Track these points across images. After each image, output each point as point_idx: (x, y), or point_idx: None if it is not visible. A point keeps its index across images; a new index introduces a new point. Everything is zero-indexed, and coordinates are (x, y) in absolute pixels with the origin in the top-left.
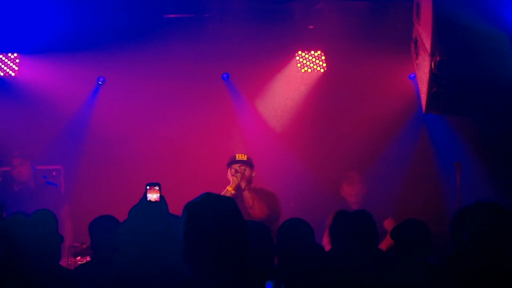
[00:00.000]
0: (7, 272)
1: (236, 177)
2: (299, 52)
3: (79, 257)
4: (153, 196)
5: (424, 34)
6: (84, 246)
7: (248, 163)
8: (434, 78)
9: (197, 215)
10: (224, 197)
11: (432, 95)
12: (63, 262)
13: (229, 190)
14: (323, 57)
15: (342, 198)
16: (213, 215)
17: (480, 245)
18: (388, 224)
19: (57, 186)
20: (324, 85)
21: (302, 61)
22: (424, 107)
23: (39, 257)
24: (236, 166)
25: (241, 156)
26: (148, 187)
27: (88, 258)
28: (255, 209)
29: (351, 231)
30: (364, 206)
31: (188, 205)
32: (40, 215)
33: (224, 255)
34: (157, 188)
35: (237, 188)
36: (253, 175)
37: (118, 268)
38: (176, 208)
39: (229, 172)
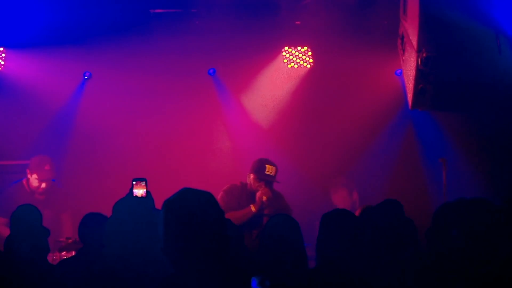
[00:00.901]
0: None
1: (266, 201)
2: (286, 48)
3: (64, 252)
4: (139, 191)
5: (411, 31)
6: (70, 241)
7: (276, 180)
8: (420, 74)
9: (175, 212)
10: (202, 191)
11: (418, 91)
12: (48, 257)
13: (252, 211)
14: (309, 53)
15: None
16: (192, 211)
17: (462, 240)
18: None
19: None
20: (310, 81)
21: (289, 57)
22: (410, 103)
23: (26, 253)
24: (265, 191)
25: (271, 170)
26: (134, 182)
27: (73, 253)
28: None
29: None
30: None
31: (166, 202)
32: (22, 211)
33: (205, 250)
34: (143, 183)
35: (260, 207)
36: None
37: (103, 263)
38: (159, 201)
39: (257, 183)
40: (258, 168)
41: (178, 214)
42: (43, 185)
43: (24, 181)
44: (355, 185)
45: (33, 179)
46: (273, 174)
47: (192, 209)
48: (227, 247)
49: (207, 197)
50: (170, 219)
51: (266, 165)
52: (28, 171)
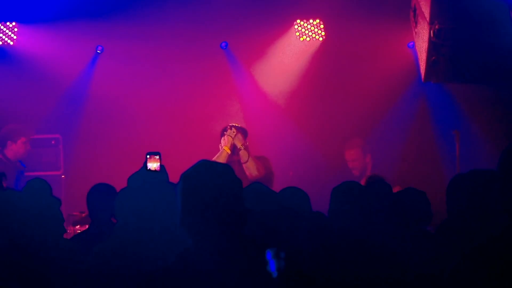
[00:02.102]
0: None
1: (230, 136)
2: (298, 21)
3: (78, 226)
4: (153, 165)
5: (423, 2)
6: (83, 215)
7: (241, 129)
8: (433, 46)
9: (193, 184)
10: (221, 164)
11: (431, 64)
12: None
13: (225, 150)
14: (322, 26)
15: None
16: (210, 183)
17: (473, 211)
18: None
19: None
20: (322, 54)
21: (301, 30)
22: (423, 76)
23: (42, 227)
24: (228, 131)
25: (234, 124)
26: (148, 156)
27: (87, 227)
28: (250, 168)
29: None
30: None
31: (184, 174)
32: (33, 184)
33: (223, 223)
34: (157, 157)
35: (233, 148)
36: (247, 143)
37: (117, 236)
38: (173, 175)
39: (222, 138)
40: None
41: (195, 186)
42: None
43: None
44: (370, 149)
45: (9, 149)
46: (232, 124)
47: (209, 181)
48: (244, 220)
49: (225, 169)
50: (188, 191)
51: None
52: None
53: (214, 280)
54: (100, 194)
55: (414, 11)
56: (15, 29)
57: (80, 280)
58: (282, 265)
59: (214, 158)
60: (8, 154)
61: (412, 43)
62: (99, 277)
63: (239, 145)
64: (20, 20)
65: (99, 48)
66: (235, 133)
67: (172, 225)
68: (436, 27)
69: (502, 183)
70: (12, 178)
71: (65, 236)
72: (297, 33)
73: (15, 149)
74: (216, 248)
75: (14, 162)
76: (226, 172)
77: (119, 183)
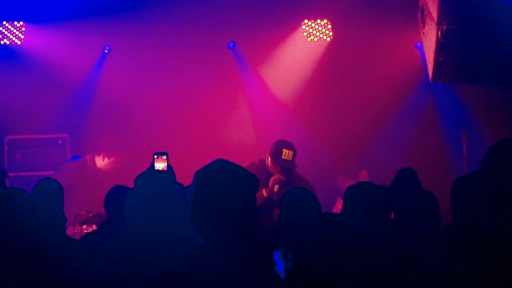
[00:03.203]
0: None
1: (277, 186)
2: (306, 21)
3: (85, 226)
4: (160, 165)
5: (431, 3)
6: (90, 214)
7: (293, 165)
8: (440, 47)
9: (207, 182)
10: (236, 165)
11: (438, 64)
12: (69, 231)
13: (263, 195)
14: (329, 26)
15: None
16: (224, 182)
17: (477, 211)
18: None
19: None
20: (330, 54)
21: (309, 30)
22: (430, 76)
23: (45, 226)
24: (280, 172)
25: (288, 154)
26: (155, 156)
27: (94, 227)
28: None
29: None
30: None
31: (198, 172)
32: (44, 184)
33: (234, 223)
34: (164, 157)
35: (271, 192)
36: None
37: (125, 236)
38: (180, 175)
39: (274, 167)
40: (275, 152)
41: (209, 184)
42: (109, 163)
43: (88, 158)
44: (363, 165)
45: (98, 158)
46: (289, 158)
47: (224, 180)
48: (255, 221)
49: (240, 169)
50: (201, 189)
51: (283, 150)
52: (99, 150)
53: (223, 280)
54: (116, 195)
55: (422, 11)
56: (23, 29)
57: (87, 279)
58: (290, 266)
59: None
60: (97, 164)
61: (419, 43)
62: (106, 277)
63: (276, 189)
64: (28, 19)
65: (107, 47)
66: (282, 182)
67: (180, 225)
68: (444, 27)
69: (485, 181)
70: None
71: (72, 236)
72: (305, 33)
73: (105, 163)
74: (226, 248)
75: (97, 172)
76: (241, 173)
77: (126, 183)
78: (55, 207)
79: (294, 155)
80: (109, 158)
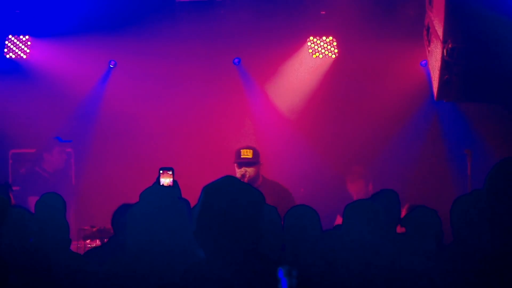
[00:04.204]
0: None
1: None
2: (311, 38)
3: (88, 240)
4: (166, 180)
5: (437, 21)
6: (94, 229)
7: (254, 162)
8: (446, 65)
9: (214, 197)
10: (244, 182)
11: (443, 82)
12: (73, 246)
13: None
14: (334, 43)
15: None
16: (231, 199)
17: (474, 232)
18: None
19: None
20: (335, 71)
21: (314, 47)
22: (435, 94)
23: (49, 242)
24: (242, 168)
25: (246, 153)
26: (161, 171)
27: (97, 241)
28: None
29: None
30: None
31: (207, 187)
32: (47, 199)
33: (237, 240)
34: (170, 172)
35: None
36: (260, 167)
37: (129, 251)
38: (184, 188)
39: (236, 170)
40: (235, 156)
41: (216, 200)
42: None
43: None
44: (372, 177)
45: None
46: (249, 155)
47: (231, 197)
48: (259, 239)
49: (247, 187)
50: (208, 203)
51: (241, 150)
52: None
53: None
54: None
55: (428, 29)
56: (28, 43)
57: None
58: (294, 284)
59: None
60: (46, 167)
61: (425, 61)
62: None
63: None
64: (34, 33)
65: (112, 62)
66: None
67: (184, 241)
68: (449, 46)
69: (489, 200)
70: (58, 190)
71: (76, 250)
72: (310, 50)
73: (52, 160)
74: (228, 264)
75: (53, 174)
76: (249, 191)
77: (131, 198)
78: (58, 220)
79: (255, 153)
80: (52, 154)
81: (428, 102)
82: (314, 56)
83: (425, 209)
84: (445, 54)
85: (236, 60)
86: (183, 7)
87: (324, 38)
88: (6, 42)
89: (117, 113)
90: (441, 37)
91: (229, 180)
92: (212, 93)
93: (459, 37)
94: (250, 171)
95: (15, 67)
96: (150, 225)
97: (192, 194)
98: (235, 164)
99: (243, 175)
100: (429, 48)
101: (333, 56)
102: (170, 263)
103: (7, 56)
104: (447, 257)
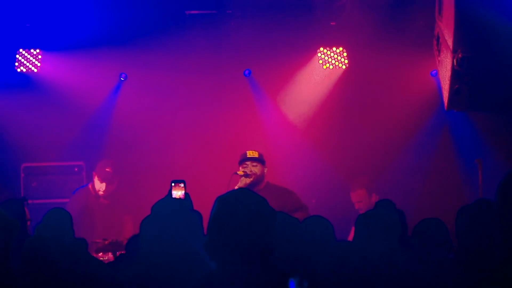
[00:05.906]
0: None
1: (246, 179)
2: (321, 49)
3: (101, 253)
4: (178, 193)
5: (446, 31)
6: (106, 242)
7: (260, 160)
8: (456, 74)
9: (228, 208)
10: (258, 195)
11: (454, 92)
12: None
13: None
14: (345, 54)
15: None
16: (244, 211)
17: (478, 242)
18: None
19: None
20: (346, 82)
21: (324, 58)
22: (446, 104)
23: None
24: (248, 164)
25: (252, 153)
26: (173, 184)
27: (110, 254)
28: None
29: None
30: None
31: (220, 198)
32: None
33: (249, 252)
34: (182, 185)
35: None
36: (265, 171)
37: (142, 263)
38: (194, 199)
39: (240, 169)
40: (241, 158)
41: (228, 211)
42: (103, 186)
43: (90, 185)
44: (375, 187)
45: (96, 181)
46: (255, 155)
47: (244, 209)
48: (270, 252)
49: (260, 200)
50: (220, 214)
51: (247, 151)
52: (93, 173)
53: None
54: None
55: (437, 39)
56: (39, 56)
57: None
58: None
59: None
60: (96, 187)
61: (435, 71)
62: None
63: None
64: (44, 47)
65: (123, 75)
66: (251, 179)
67: (195, 253)
68: (459, 55)
69: (499, 213)
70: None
71: None
72: (320, 61)
73: (102, 186)
74: (239, 275)
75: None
76: (263, 204)
77: (143, 211)
78: (65, 236)
79: (260, 154)
80: (104, 182)
81: (438, 112)
82: (324, 67)
83: (433, 219)
84: (455, 63)
85: (246, 72)
86: (193, 20)
87: (334, 49)
88: (17, 56)
89: (128, 126)
90: (451, 47)
91: (243, 192)
92: (223, 105)
93: (469, 47)
94: (254, 168)
95: (26, 81)
96: (162, 238)
97: (204, 205)
98: (240, 166)
99: (248, 175)
100: (439, 58)
101: (344, 66)
102: (182, 276)
103: (18, 70)
104: (456, 267)
